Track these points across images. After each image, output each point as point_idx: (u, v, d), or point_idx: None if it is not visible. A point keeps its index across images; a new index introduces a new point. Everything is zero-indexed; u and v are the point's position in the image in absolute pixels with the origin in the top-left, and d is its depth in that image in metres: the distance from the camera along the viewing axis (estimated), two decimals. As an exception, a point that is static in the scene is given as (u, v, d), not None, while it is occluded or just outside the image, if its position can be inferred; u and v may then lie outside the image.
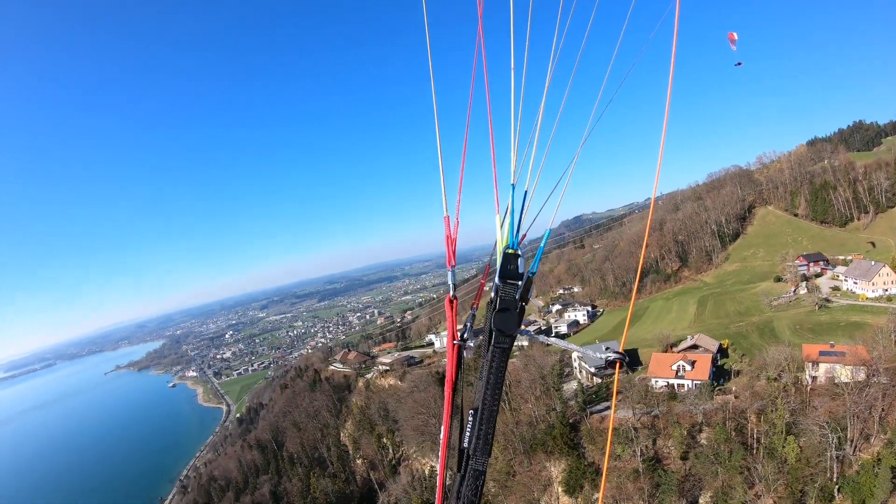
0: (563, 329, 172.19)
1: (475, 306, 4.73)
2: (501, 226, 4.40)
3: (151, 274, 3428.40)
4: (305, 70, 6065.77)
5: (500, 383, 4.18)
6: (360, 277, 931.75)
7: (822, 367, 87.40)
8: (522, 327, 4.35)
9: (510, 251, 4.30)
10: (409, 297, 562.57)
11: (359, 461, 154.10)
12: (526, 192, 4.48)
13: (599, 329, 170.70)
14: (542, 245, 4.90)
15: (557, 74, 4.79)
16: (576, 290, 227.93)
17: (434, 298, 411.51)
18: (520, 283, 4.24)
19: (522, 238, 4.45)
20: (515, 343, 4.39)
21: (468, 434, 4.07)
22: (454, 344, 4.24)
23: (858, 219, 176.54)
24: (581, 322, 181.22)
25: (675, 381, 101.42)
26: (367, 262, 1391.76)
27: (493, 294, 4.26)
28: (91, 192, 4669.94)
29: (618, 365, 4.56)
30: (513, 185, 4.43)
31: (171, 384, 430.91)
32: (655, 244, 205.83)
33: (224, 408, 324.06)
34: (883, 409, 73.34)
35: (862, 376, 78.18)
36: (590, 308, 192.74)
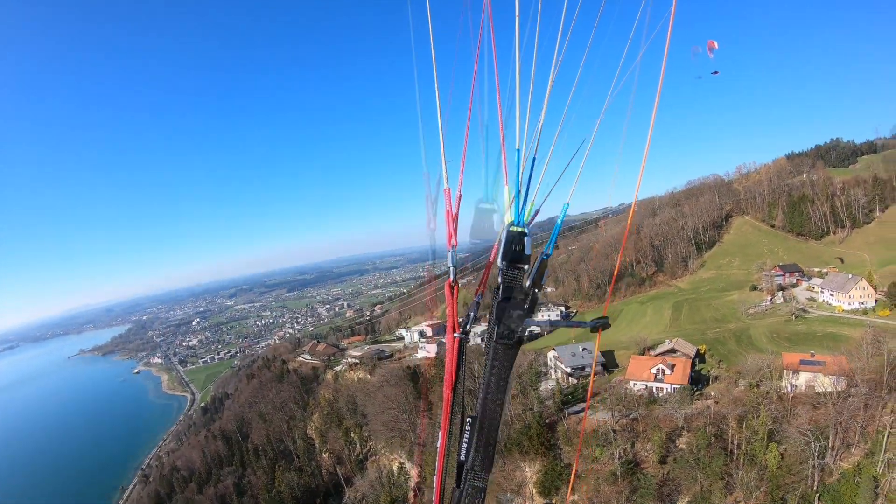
0: (536, 329, 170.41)
1: (479, 293, 3.97)
2: (511, 202, 3.73)
3: (122, 257, 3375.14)
4: (291, 57, 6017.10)
5: (503, 387, 3.68)
6: (330, 269, 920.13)
7: (802, 376, 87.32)
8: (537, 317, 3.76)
9: (515, 228, 3.68)
10: (378, 290, 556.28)
11: (325, 455, 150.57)
12: (535, 158, 3.65)
13: (573, 329, 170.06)
14: (559, 222, 4.04)
15: (572, 38, 4.01)
16: (549, 290, 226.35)
17: (404, 293, 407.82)
18: (526, 266, 3.69)
19: (535, 216, 3.77)
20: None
21: (465, 445, 3.65)
22: (455, 337, 3.69)
23: (835, 233, 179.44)
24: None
25: (654, 385, 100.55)
26: (337, 255, 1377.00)
27: (498, 279, 3.69)
28: (61, 172, 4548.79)
29: (599, 332, 4.11)
30: (518, 149, 3.61)
31: (135, 370, 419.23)
32: (632, 248, 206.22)
33: (189, 396, 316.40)
34: (864, 419, 72.99)
35: (843, 386, 78.07)
36: (563, 309, 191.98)
